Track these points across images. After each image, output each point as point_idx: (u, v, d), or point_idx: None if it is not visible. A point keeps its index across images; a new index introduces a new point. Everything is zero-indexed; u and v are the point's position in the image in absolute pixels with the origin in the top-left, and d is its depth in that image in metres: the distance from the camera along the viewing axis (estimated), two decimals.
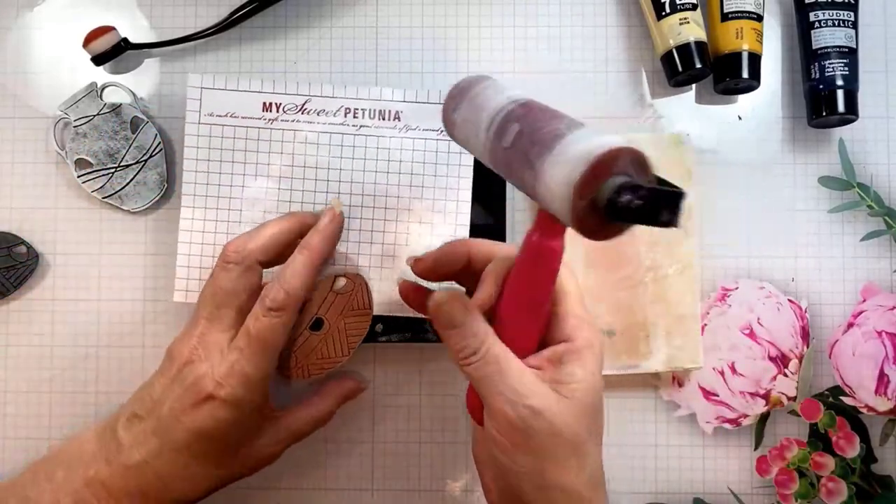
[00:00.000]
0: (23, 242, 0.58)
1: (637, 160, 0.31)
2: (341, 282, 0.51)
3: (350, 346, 0.52)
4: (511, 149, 0.33)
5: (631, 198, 0.29)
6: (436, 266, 0.45)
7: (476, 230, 0.56)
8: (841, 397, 0.57)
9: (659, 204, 0.29)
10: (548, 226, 0.35)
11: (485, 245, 0.45)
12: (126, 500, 0.46)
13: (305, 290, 0.48)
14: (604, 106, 0.60)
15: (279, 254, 0.50)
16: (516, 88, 0.38)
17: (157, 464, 0.46)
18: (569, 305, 0.41)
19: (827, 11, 0.57)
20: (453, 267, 0.45)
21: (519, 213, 0.59)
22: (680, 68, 0.57)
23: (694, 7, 0.57)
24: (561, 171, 0.31)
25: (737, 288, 0.58)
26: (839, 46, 0.57)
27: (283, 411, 0.52)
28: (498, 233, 0.57)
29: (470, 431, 0.58)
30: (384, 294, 0.56)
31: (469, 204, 0.56)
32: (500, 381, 0.37)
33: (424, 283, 0.48)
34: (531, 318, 0.39)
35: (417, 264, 0.45)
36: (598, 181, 0.30)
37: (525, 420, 0.37)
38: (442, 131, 0.56)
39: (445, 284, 0.47)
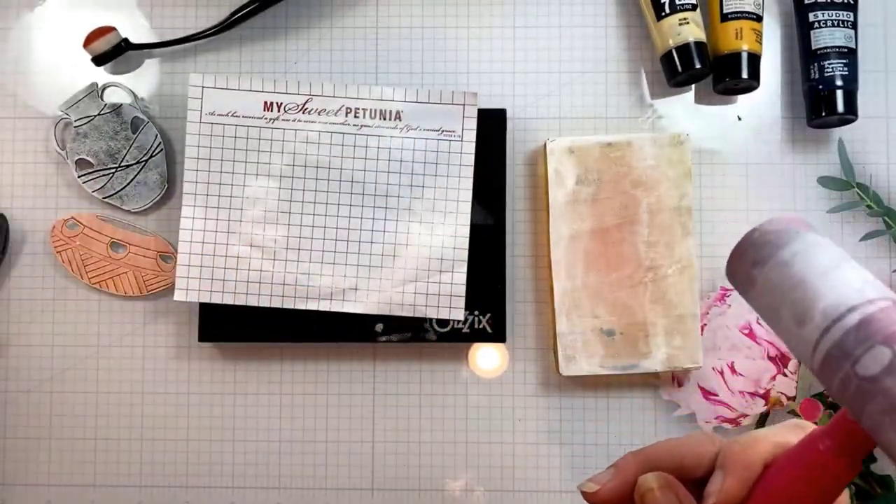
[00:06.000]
0: None
1: None
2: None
3: None
4: (872, 381, 0.23)
5: None
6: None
7: (476, 230, 0.56)
8: None
9: None
10: (858, 449, 0.27)
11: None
12: None
13: None
14: (603, 106, 0.60)
15: None
16: (848, 258, 0.26)
17: None
18: None
19: (826, 12, 0.57)
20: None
21: (519, 212, 0.59)
22: (679, 68, 0.57)
23: (693, 7, 0.57)
24: None
25: None
26: (838, 47, 0.57)
27: None
28: (498, 233, 0.57)
29: (471, 432, 0.58)
30: (384, 294, 0.56)
31: (469, 204, 0.56)
32: None
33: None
34: None
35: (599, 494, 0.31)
36: None
37: None
38: (443, 131, 0.56)
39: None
